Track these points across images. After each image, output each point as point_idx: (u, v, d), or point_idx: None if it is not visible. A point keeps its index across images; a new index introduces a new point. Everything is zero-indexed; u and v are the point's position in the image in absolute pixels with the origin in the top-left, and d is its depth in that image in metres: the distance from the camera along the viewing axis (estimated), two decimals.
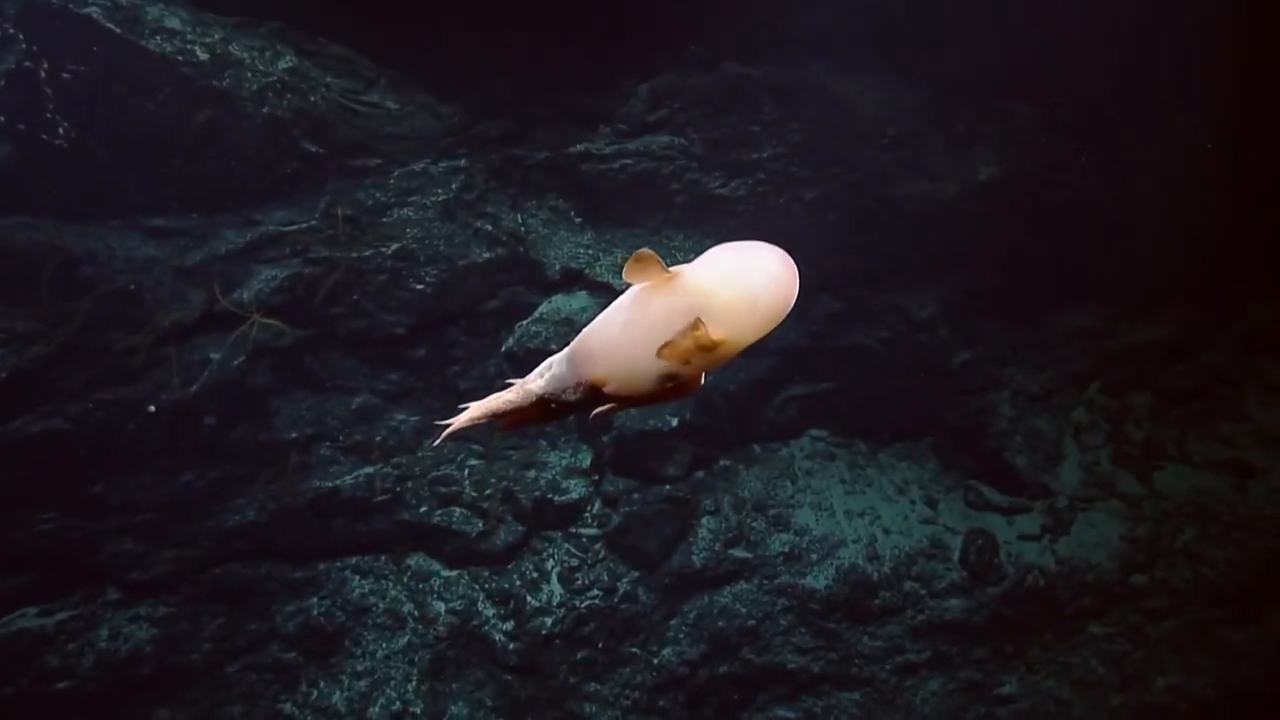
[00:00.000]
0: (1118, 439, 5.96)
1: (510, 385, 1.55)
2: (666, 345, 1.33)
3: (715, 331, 1.33)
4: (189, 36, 4.42)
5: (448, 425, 1.54)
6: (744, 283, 1.35)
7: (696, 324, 1.33)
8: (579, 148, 5.21)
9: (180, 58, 4.35)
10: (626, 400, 1.44)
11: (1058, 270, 5.82)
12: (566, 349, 1.49)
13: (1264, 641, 5.29)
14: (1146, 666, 5.34)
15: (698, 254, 5.02)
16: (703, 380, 1.45)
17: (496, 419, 1.51)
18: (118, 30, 4.26)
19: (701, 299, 1.34)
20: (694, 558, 5.30)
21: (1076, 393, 6.12)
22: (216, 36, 4.51)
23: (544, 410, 1.49)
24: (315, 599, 5.16)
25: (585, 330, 1.46)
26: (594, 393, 1.44)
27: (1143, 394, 6.14)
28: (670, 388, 1.41)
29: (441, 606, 5.28)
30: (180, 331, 4.52)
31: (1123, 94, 5.35)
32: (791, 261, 1.40)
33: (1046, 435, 5.94)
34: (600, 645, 5.19)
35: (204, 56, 4.41)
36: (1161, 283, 5.97)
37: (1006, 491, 5.75)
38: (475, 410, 1.50)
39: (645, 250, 1.39)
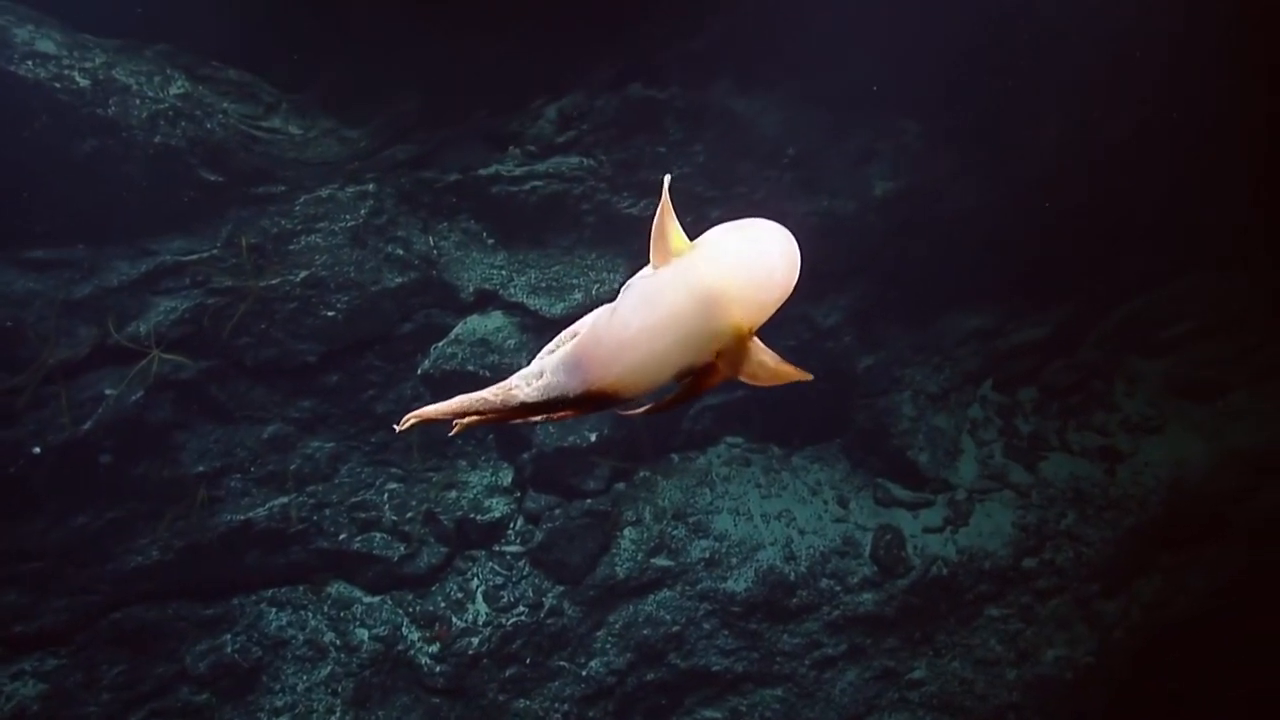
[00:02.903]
0: (1008, 433, 6.42)
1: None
2: (721, 356, 1.24)
3: (739, 316, 1.27)
4: (65, 61, 4.22)
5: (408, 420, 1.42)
6: (759, 263, 1.28)
7: (744, 334, 1.24)
8: (489, 169, 5.25)
9: (57, 84, 4.15)
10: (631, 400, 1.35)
11: (950, 277, 6.23)
12: (558, 356, 1.38)
13: (1132, 610, 5.83)
14: (1037, 642, 5.79)
15: (610, 273, 5.06)
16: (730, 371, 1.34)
17: (460, 418, 1.38)
18: None
19: (717, 285, 1.27)
20: (617, 569, 5.42)
21: (971, 391, 6.56)
22: (98, 61, 4.32)
23: (519, 415, 1.38)
24: (228, 635, 5.01)
25: (585, 337, 1.36)
26: (595, 398, 1.33)
27: (1029, 389, 6.63)
28: (689, 383, 1.33)
29: (364, 633, 5.21)
30: (69, 368, 4.32)
31: (1000, 109, 5.78)
32: (790, 233, 1.34)
33: (945, 432, 6.34)
34: (528, 661, 5.24)
35: (84, 83, 4.21)
36: (1041, 285, 6.48)
37: (911, 487, 6.12)
38: (447, 405, 1.37)
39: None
